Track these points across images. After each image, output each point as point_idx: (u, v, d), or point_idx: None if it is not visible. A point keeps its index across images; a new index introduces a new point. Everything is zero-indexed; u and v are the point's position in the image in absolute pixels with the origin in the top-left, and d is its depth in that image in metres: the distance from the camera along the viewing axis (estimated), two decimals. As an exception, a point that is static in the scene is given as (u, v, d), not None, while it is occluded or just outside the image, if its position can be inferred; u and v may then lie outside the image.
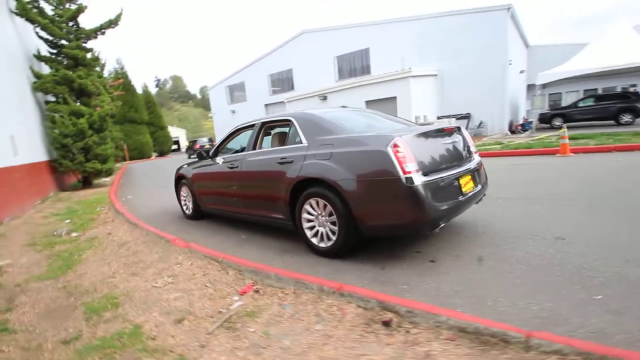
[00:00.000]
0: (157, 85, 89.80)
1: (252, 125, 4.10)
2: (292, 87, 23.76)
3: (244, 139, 4.81)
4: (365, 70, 19.84)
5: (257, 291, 2.51)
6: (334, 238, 2.98)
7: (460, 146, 3.21)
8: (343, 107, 4.20)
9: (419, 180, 2.52)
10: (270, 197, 3.53)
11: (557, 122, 15.63)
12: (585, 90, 23.08)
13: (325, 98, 17.62)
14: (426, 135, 2.88)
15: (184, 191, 5.29)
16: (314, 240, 3.16)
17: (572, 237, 2.95)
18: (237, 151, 4.86)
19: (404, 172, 2.50)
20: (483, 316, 1.79)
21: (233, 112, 28.36)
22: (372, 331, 1.83)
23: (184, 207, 5.38)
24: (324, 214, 3.04)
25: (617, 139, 8.92)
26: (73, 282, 3.08)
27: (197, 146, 26.28)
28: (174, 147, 48.24)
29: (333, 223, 2.97)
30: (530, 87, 22.00)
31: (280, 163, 3.37)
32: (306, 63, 22.47)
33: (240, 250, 3.52)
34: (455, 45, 16.22)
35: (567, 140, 7.73)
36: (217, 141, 4.66)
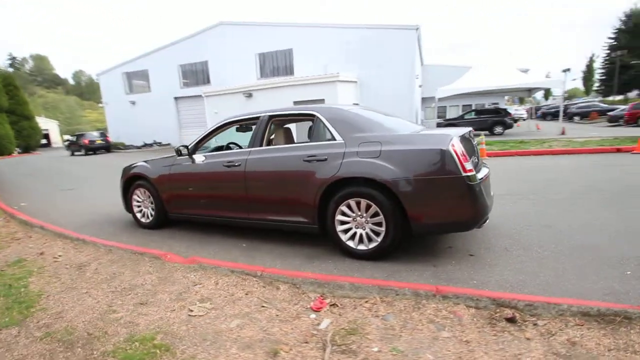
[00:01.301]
0: (12, 65, 72.53)
1: (254, 119, 3.70)
2: (207, 81, 22.12)
3: (228, 135, 4.32)
4: (289, 70, 19.85)
5: (333, 305, 2.28)
6: (378, 239, 2.92)
7: (477, 150, 3.51)
8: (355, 104, 4.14)
9: (477, 178, 2.68)
10: (291, 199, 3.25)
11: (452, 130, 18.46)
12: (464, 106, 27.88)
13: (250, 95, 16.95)
14: (465, 137, 3.07)
15: (140, 195, 4.43)
16: (351, 244, 3.04)
17: (556, 225, 3.54)
18: (218, 148, 4.32)
19: (465, 171, 2.62)
20: (581, 298, 2.02)
21: (133, 103, 24.83)
22: (502, 329, 1.87)
23: (139, 214, 4.50)
24: (365, 215, 2.95)
25: (510, 145, 11.03)
26: (56, 326, 2.25)
27: (85, 141, 22.26)
28: (44, 141, 39.84)
29: (377, 224, 2.91)
30: (424, 100, 25.56)
31: (308, 161, 3.13)
32: (224, 56, 21.22)
33: (256, 261, 3.15)
34: (373, 56, 17.60)
35: (484, 146, 9.21)
36: (198, 136, 4.03)
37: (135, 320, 2.26)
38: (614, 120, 20.07)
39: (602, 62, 45.84)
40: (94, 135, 23.36)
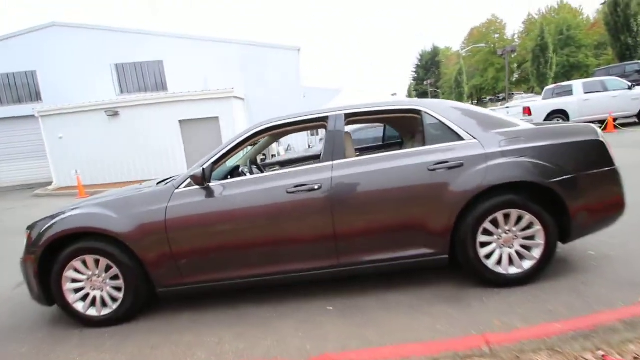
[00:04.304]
0: None
1: (316, 121, 2.58)
2: (37, 97, 16.65)
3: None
4: (161, 86, 17.05)
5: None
6: (536, 256, 2.35)
7: None
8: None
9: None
10: (410, 225, 2.35)
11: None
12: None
13: (116, 114, 13.51)
14: None
15: (82, 269, 2.47)
16: (499, 269, 2.37)
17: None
18: (230, 172, 2.90)
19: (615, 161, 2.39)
20: None
21: None
22: None
23: (81, 304, 2.51)
24: (514, 229, 2.35)
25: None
26: None
27: None
28: None
29: (528, 237, 2.36)
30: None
31: (433, 170, 2.31)
32: (63, 66, 16.49)
33: (384, 332, 2.10)
34: (257, 74, 17.04)
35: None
36: (213, 154, 2.54)
37: None
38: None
39: (414, 90, 59.37)
40: None
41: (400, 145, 4.10)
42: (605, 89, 11.56)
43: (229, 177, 2.84)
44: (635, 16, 18.79)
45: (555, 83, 20.62)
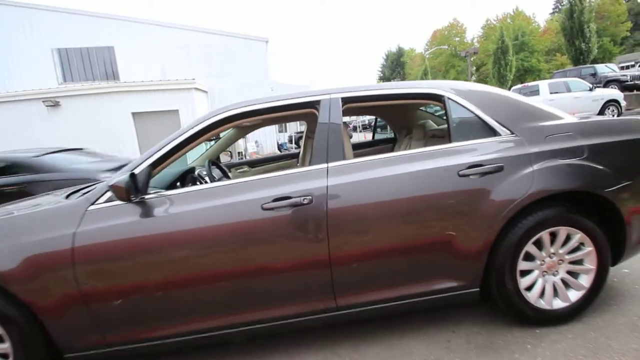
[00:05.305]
0: None
1: (305, 105, 1.90)
2: (-41, 83, 14.31)
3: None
4: (111, 75, 15.34)
5: None
6: (585, 284, 1.85)
7: None
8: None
9: None
10: (430, 249, 1.75)
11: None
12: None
13: (56, 104, 11.85)
14: None
15: None
16: (543, 303, 1.83)
17: None
18: (181, 177, 2.14)
19: None
20: None
21: None
22: None
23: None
24: (560, 251, 1.83)
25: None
26: None
27: None
28: None
29: (576, 261, 1.85)
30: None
31: (466, 175, 1.72)
32: (-8, 49, 14.30)
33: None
34: (221, 65, 15.85)
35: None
36: (150, 153, 1.75)
37: None
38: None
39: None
40: None
41: (393, 143, 3.52)
42: (569, 90, 11.90)
43: (178, 184, 2.08)
44: (588, 22, 19.85)
45: (513, 85, 21.43)
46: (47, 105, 11.76)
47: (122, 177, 1.55)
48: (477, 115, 1.86)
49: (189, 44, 15.51)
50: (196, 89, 12.93)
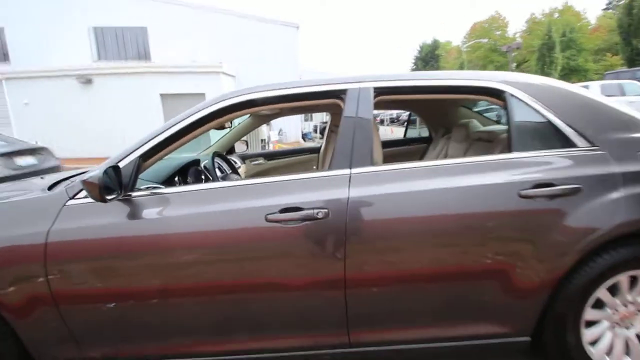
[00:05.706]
0: None
1: (328, 94, 1.57)
2: (5, 57, 14.97)
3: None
4: (144, 55, 15.52)
5: None
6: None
7: None
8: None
9: None
10: (472, 285, 1.40)
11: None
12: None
13: (89, 81, 12.11)
14: None
15: None
16: (609, 364, 1.45)
17: None
18: (182, 169, 1.87)
19: None
20: None
21: None
22: None
23: None
24: (638, 298, 1.43)
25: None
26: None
27: None
28: None
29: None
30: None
31: (529, 197, 1.34)
32: (35, 24, 14.77)
33: None
34: (251, 50, 15.65)
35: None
36: (141, 142, 1.48)
37: None
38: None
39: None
40: None
41: (427, 143, 3.12)
42: (623, 94, 10.85)
43: (177, 179, 1.82)
44: (650, 20, 18.05)
45: (560, 84, 19.93)
46: (80, 82, 12.02)
47: (95, 172, 1.29)
48: (547, 120, 1.46)
49: (220, 27, 15.40)
50: (223, 73, 12.82)
